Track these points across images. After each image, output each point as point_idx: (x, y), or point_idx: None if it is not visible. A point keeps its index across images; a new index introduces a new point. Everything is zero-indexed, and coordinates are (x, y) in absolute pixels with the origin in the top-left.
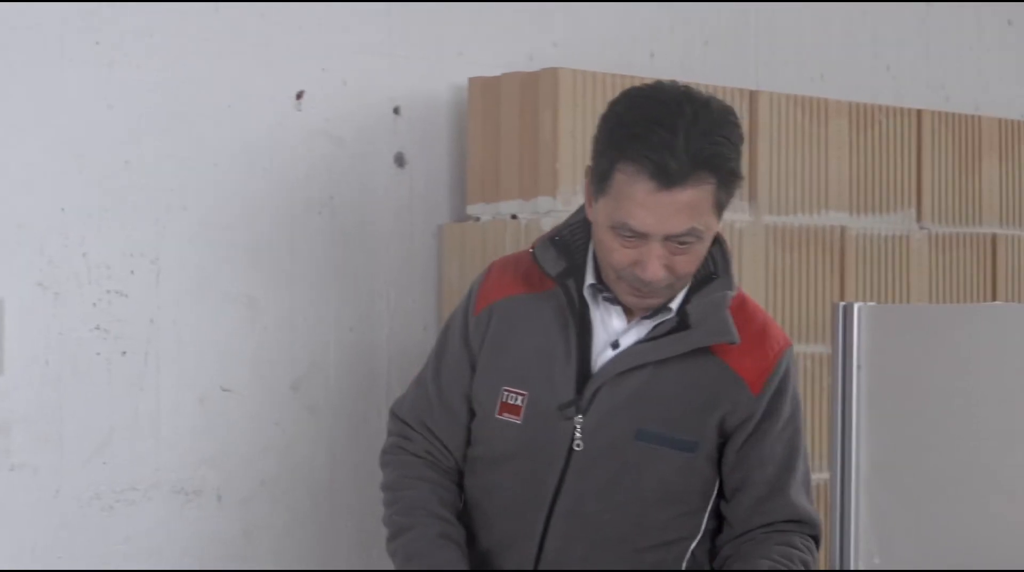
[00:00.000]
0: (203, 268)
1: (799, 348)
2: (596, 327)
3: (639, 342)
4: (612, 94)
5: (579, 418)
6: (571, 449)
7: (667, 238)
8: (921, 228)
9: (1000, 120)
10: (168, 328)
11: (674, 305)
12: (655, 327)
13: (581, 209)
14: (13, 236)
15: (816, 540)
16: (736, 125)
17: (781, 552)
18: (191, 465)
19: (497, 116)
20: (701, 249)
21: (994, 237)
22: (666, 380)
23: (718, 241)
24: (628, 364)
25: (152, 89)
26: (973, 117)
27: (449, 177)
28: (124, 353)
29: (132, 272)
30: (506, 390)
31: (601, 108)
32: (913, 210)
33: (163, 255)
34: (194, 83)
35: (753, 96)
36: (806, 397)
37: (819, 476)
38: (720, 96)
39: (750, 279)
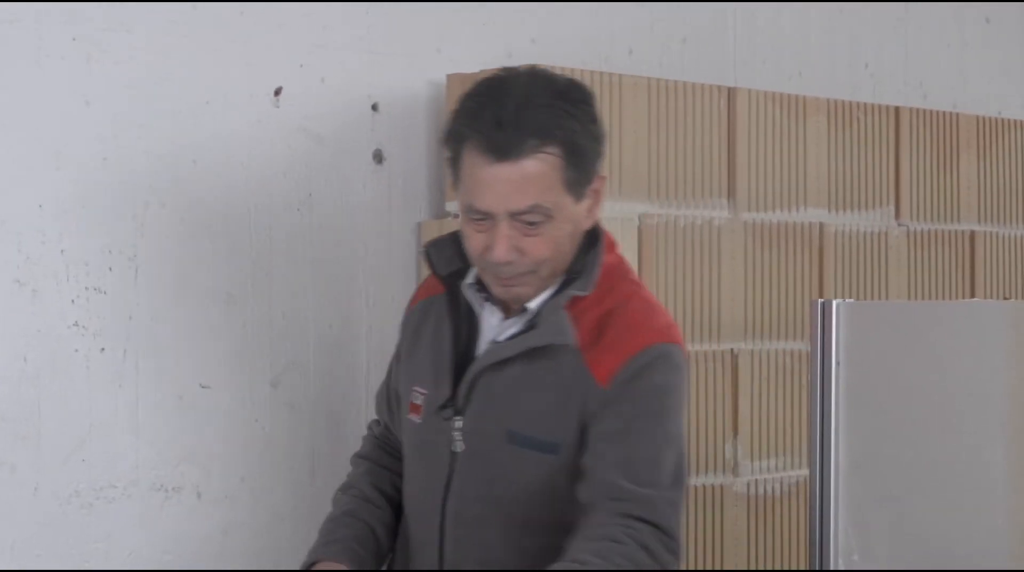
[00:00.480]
0: (182, 265)
1: (778, 345)
2: (484, 326)
3: (495, 342)
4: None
5: (458, 419)
6: (452, 451)
7: (513, 216)
8: (900, 225)
9: (978, 117)
10: (147, 325)
11: (535, 304)
12: (515, 329)
13: None
14: None
15: (657, 527)
16: (585, 103)
17: (597, 550)
18: (170, 462)
19: None
20: (555, 231)
21: (972, 234)
22: (533, 380)
23: (597, 238)
24: (487, 361)
25: (130, 85)
26: (951, 114)
27: (428, 174)
28: (103, 350)
29: (110, 269)
30: (413, 389)
31: None
32: (892, 207)
33: (141, 252)
34: (172, 79)
35: (732, 93)
36: (784, 394)
37: (798, 473)
38: (699, 93)
39: (729, 276)
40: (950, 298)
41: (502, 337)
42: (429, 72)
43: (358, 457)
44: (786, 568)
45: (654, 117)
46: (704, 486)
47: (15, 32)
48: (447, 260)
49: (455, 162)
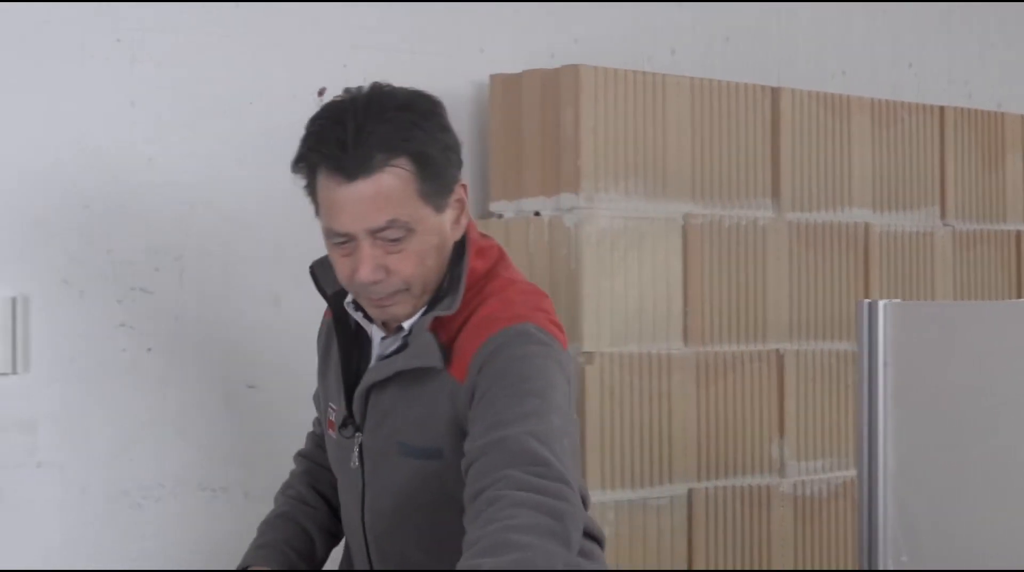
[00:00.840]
0: (227, 265)
1: (824, 345)
2: (374, 342)
3: (379, 359)
4: (634, 91)
5: (359, 436)
6: (359, 467)
7: (373, 234)
8: (945, 225)
9: (1023, 117)
10: (193, 325)
11: (408, 324)
12: (390, 349)
13: None
14: (38, 234)
15: (532, 459)
16: (432, 112)
17: (493, 541)
18: (217, 462)
19: (519, 113)
20: (419, 245)
21: (1018, 234)
22: (410, 393)
23: (464, 250)
24: (365, 383)
25: (174, 86)
26: (996, 114)
27: (471, 174)
28: (149, 350)
29: (156, 269)
30: (329, 406)
31: (623, 105)
32: (937, 207)
33: (187, 252)
34: (216, 80)
35: (775, 93)
36: (830, 394)
37: (844, 474)
38: (743, 93)
39: (774, 277)
40: (996, 298)
41: (382, 356)
42: (472, 72)
43: (299, 455)
44: (833, 569)
45: (697, 117)
46: (750, 486)
47: (60, 33)
48: (333, 280)
49: (311, 188)
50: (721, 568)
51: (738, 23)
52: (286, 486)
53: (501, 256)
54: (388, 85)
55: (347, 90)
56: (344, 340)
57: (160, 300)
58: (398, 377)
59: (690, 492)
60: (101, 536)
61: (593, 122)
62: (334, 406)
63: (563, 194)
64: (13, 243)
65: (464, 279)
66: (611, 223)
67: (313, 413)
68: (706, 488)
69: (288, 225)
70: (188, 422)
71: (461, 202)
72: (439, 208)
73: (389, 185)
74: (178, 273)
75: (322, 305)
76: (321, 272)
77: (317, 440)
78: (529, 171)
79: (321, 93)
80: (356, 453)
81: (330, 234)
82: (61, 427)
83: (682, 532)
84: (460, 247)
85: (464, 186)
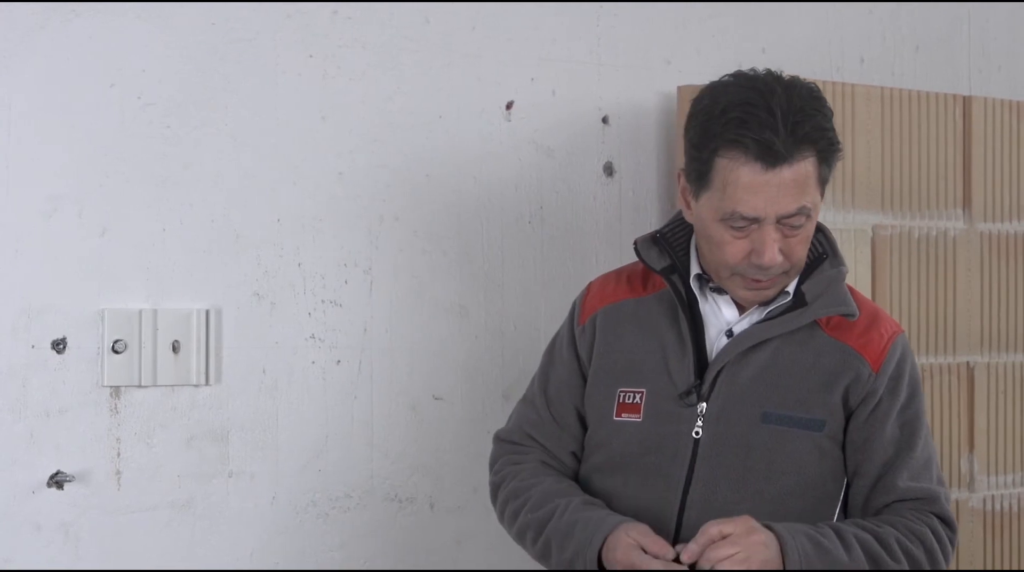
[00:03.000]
0: (415, 277)
1: (1015, 357)
2: (708, 318)
3: (755, 323)
4: None
5: (702, 406)
6: (695, 438)
7: (779, 220)
8: None
9: None
10: (381, 337)
11: (790, 289)
12: (771, 310)
13: (679, 210)
14: (231, 247)
15: (942, 519)
16: (824, 99)
17: (893, 522)
18: (404, 473)
19: None
20: (811, 229)
21: None
22: (786, 361)
23: (819, 226)
24: (746, 344)
25: (364, 101)
26: None
27: (658, 186)
28: (338, 362)
29: (346, 282)
30: (622, 391)
31: None
32: None
33: (376, 265)
34: (405, 95)
35: (967, 102)
36: (1022, 409)
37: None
38: (933, 102)
39: (964, 288)
40: None
41: (754, 321)
42: (659, 84)
43: (513, 463)
44: None
45: (887, 127)
46: None
47: (253, 50)
48: (656, 257)
49: (703, 168)
50: None
51: (928, 31)
52: (545, 499)
53: None
54: (779, 73)
55: (738, 72)
56: (688, 313)
57: (349, 312)
58: (768, 345)
59: None
60: (289, 546)
61: None
62: (637, 388)
63: None
64: (207, 256)
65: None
66: None
67: (498, 424)
68: None
69: (475, 237)
70: (375, 433)
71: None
72: (823, 191)
73: (803, 174)
74: (367, 285)
75: (513, 316)
76: (645, 251)
77: (542, 468)
78: None
79: (509, 107)
80: (692, 424)
81: (733, 217)
82: (252, 438)
83: None
84: None
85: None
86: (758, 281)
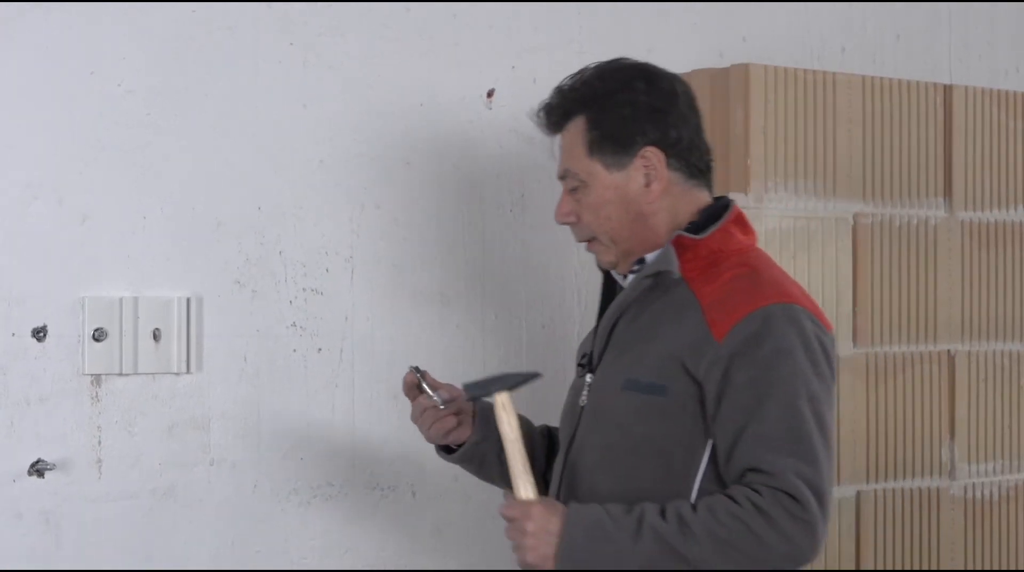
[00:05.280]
0: (396, 266)
1: (996, 345)
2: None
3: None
4: (803, 89)
5: (590, 376)
6: (581, 406)
7: (562, 181)
8: None
9: None
10: (363, 325)
11: (651, 256)
12: (628, 281)
13: None
14: (211, 234)
15: (789, 494)
16: (636, 81)
17: (709, 503)
18: (385, 461)
19: None
20: (592, 198)
21: None
22: (647, 330)
23: (726, 203)
24: (613, 315)
25: (345, 89)
26: None
27: None
28: (320, 350)
29: (327, 270)
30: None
31: (792, 103)
32: None
33: (357, 253)
34: (386, 82)
35: (947, 90)
36: (1003, 396)
37: (1017, 477)
38: (914, 91)
39: (945, 276)
40: None
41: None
42: None
43: None
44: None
45: (868, 115)
46: (920, 489)
47: (233, 38)
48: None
49: None
50: (890, 570)
51: (909, 20)
52: None
53: (761, 249)
54: (638, 63)
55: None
56: (603, 292)
57: (330, 300)
58: (643, 313)
59: (858, 494)
60: (271, 534)
61: (763, 121)
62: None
63: (732, 193)
64: (186, 244)
65: (720, 222)
66: (780, 223)
67: None
68: (875, 490)
69: (456, 226)
70: (357, 421)
71: (651, 168)
72: (611, 163)
73: (569, 139)
74: (348, 274)
75: (493, 304)
76: None
77: None
78: None
79: (490, 95)
80: (585, 393)
81: None
82: (233, 426)
83: (850, 534)
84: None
85: (658, 154)
86: (586, 246)
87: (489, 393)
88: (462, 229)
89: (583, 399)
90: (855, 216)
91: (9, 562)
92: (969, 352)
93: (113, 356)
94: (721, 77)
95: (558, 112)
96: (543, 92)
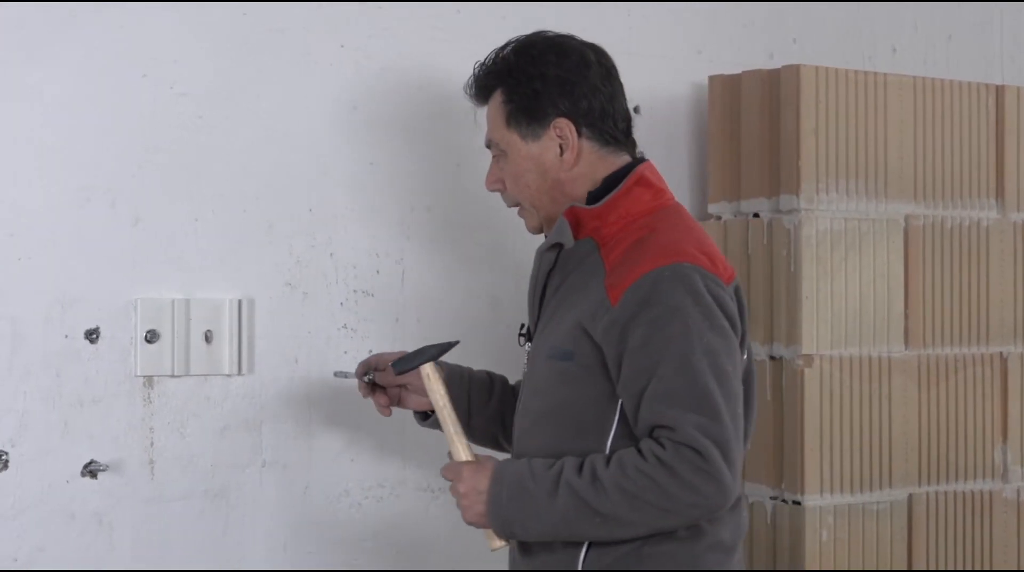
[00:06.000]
0: (447, 268)
1: None
2: None
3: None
4: (854, 90)
5: (528, 345)
6: (525, 373)
7: (489, 150)
8: None
9: None
10: (413, 327)
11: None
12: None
13: None
14: (263, 237)
15: (690, 446)
16: (547, 54)
17: (620, 457)
18: (437, 462)
19: (738, 114)
20: (512, 168)
21: None
22: (565, 299)
23: (636, 175)
24: (534, 290)
25: (396, 91)
26: None
27: (690, 176)
28: (370, 352)
29: (378, 272)
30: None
31: (843, 104)
32: None
33: (407, 255)
34: (437, 85)
35: (1000, 91)
36: None
37: None
38: (966, 92)
39: (997, 278)
40: None
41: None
42: (690, 74)
43: None
44: None
45: (919, 116)
46: (972, 492)
47: (285, 40)
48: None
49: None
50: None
51: (961, 20)
52: None
53: (676, 206)
54: (556, 35)
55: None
56: (537, 259)
57: (381, 302)
58: (564, 282)
59: (910, 497)
60: (322, 535)
61: (814, 122)
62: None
63: (783, 195)
64: (239, 246)
65: (617, 191)
66: (831, 224)
67: None
68: (927, 493)
69: (506, 228)
70: (408, 423)
71: (563, 138)
72: (530, 134)
73: (493, 111)
74: (399, 275)
75: None
76: None
77: None
78: (748, 172)
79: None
80: (525, 362)
81: None
82: (284, 428)
83: (902, 537)
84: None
85: (569, 125)
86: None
87: (414, 366)
88: (512, 231)
89: (524, 367)
90: (906, 218)
91: (62, 563)
92: (1022, 354)
93: (165, 358)
94: (772, 78)
95: (479, 86)
96: None
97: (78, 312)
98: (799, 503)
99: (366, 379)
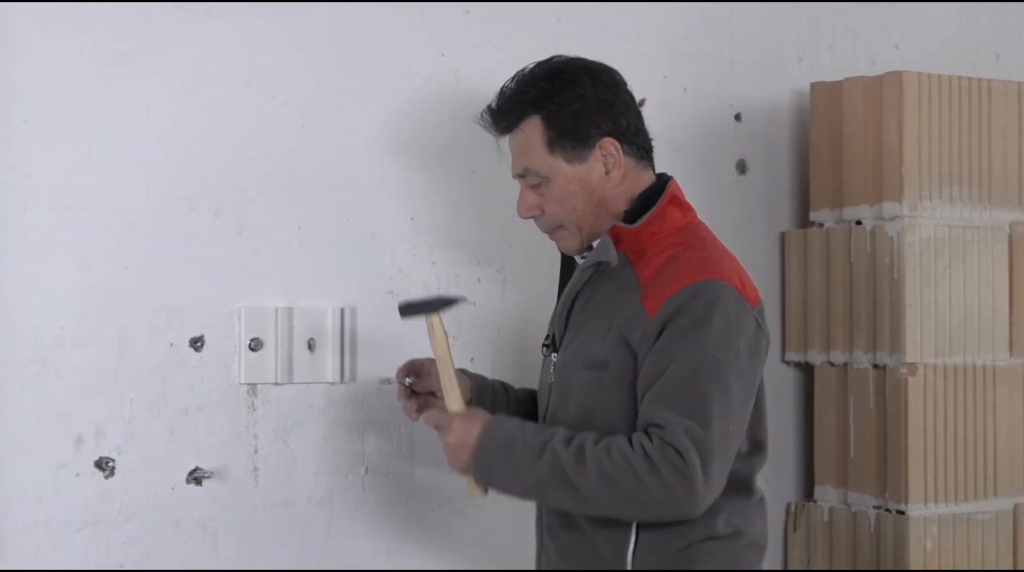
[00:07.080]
0: (547, 276)
1: None
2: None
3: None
4: (957, 97)
5: (554, 356)
6: (550, 384)
7: (521, 179)
8: None
9: None
10: (514, 335)
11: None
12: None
13: None
14: (366, 245)
15: (671, 445)
16: (581, 77)
17: (608, 440)
18: None
19: (840, 121)
20: (556, 191)
21: None
22: (598, 311)
23: (665, 182)
24: (569, 296)
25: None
26: None
27: (791, 184)
28: (472, 360)
29: (479, 280)
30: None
31: (947, 111)
32: None
33: (509, 264)
34: None
35: None
36: None
37: None
38: None
39: None
40: None
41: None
42: (792, 81)
43: None
44: None
45: None
46: None
47: (386, 50)
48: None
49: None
50: None
51: None
52: None
53: (701, 224)
54: (580, 59)
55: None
56: (563, 274)
57: (483, 310)
58: (595, 295)
59: (1016, 507)
60: (425, 543)
61: (917, 129)
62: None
63: (886, 203)
64: (341, 255)
65: (654, 210)
66: (935, 232)
67: None
68: None
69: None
70: None
71: (609, 156)
72: (570, 157)
73: (525, 139)
74: (500, 284)
75: None
76: None
77: None
78: (851, 180)
79: (641, 104)
80: (552, 372)
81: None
82: (387, 435)
83: (1007, 548)
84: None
85: (615, 143)
86: (549, 234)
87: (419, 314)
88: None
89: (551, 377)
90: (1011, 225)
91: (167, 569)
92: None
93: (268, 366)
94: (874, 85)
95: (508, 114)
96: (693, 101)
97: (183, 320)
98: (903, 512)
99: (407, 382)
